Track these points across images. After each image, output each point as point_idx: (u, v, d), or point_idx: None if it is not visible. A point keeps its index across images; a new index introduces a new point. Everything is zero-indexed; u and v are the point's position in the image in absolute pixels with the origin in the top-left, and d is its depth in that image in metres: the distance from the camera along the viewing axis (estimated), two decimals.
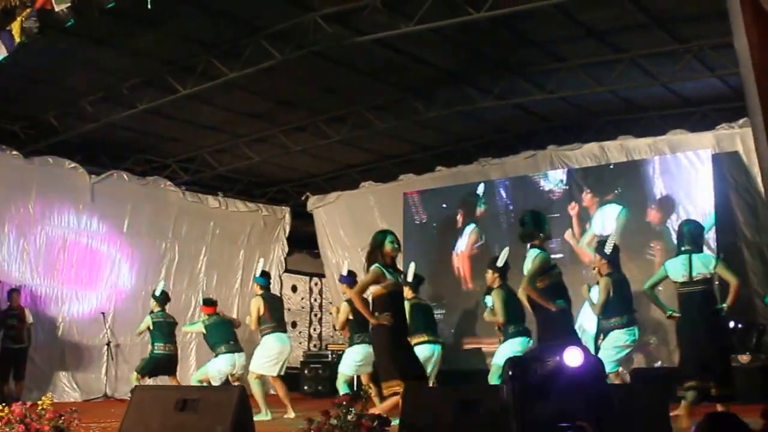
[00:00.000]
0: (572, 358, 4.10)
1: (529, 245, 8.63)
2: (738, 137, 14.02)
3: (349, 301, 11.58)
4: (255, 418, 11.04)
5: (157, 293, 13.91)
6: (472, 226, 16.71)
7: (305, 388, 17.59)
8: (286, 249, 20.12)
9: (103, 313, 16.43)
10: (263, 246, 19.66)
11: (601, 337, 10.64)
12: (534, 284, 8.43)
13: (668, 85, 14.59)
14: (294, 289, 21.20)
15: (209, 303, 13.46)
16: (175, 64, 13.49)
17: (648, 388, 8.29)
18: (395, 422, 7.08)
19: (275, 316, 12.20)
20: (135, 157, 17.72)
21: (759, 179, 12.63)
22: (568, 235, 15.24)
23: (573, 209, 15.25)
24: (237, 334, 13.22)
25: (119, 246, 16.95)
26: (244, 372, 12.66)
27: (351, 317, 11.75)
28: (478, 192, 16.72)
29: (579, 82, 14.42)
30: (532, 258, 8.48)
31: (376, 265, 8.67)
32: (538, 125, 16.86)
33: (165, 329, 13.58)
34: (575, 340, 8.33)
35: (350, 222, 19.03)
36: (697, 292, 9.18)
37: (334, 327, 18.99)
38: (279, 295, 16.36)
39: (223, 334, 12.87)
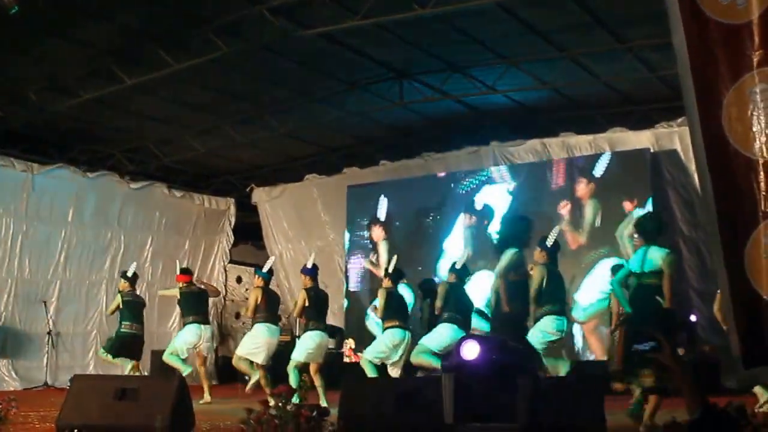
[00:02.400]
0: (469, 351, 4.19)
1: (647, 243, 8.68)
2: (677, 136, 14.29)
3: (307, 290, 11.81)
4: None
5: (129, 274, 13.96)
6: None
7: (246, 378, 17.53)
8: (231, 240, 20.10)
9: (44, 302, 16.30)
10: (208, 237, 19.65)
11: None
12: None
13: (609, 83, 14.85)
14: (239, 280, 21.11)
15: (186, 272, 14.02)
16: (121, 55, 13.44)
17: (583, 381, 8.47)
18: (335, 412, 7.19)
19: (270, 308, 12.43)
20: (80, 147, 17.57)
21: (696, 177, 12.89)
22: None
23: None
24: (209, 309, 14.04)
25: (64, 235, 16.81)
26: (209, 345, 13.34)
27: (308, 304, 11.78)
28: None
29: (521, 80, 14.65)
30: (671, 255, 8.60)
31: (516, 250, 8.54)
32: (481, 121, 17.00)
33: (133, 309, 13.64)
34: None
35: (294, 214, 19.17)
36: None
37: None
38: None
39: (196, 304, 13.52)
